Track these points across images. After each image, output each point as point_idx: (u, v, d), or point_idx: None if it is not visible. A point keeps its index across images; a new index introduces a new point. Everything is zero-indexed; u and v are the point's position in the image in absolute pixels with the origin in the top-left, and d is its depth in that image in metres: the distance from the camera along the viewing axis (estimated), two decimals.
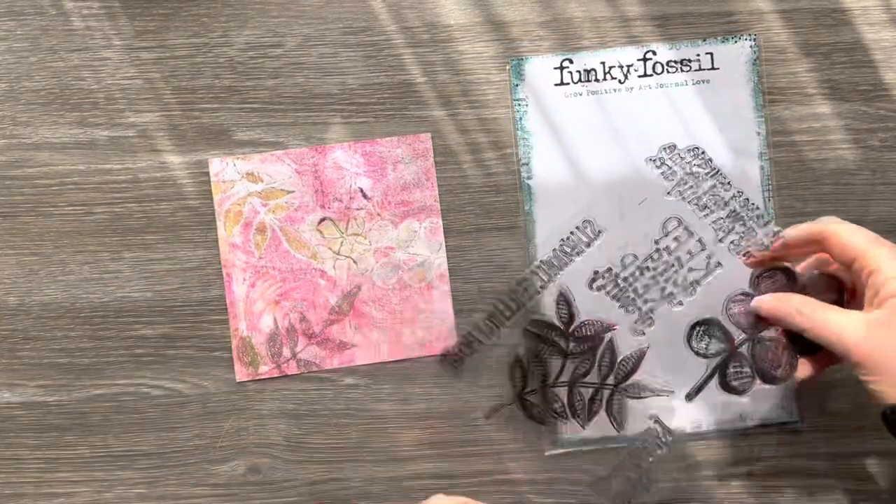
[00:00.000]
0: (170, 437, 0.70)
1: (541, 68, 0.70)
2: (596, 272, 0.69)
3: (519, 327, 0.69)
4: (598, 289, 0.69)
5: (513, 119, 0.70)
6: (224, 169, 0.70)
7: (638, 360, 0.69)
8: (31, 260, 0.70)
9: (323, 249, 0.70)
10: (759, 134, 0.70)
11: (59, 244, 0.70)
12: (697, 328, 0.66)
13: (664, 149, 0.69)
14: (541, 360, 0.69)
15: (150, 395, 0.70)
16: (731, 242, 0.69)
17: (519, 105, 0.70)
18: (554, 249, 0.69)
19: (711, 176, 0.69)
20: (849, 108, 0.71)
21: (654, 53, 0.70)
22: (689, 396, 0.68)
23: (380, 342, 0.70)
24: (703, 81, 0.70)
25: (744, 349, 0.65)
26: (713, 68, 0.70)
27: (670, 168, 0.69)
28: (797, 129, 0.71)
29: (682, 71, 0.70)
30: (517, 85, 0.70)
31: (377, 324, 0.70)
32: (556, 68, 0.70)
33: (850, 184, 0.71)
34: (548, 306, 0.69)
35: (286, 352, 0.70)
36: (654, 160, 0.69)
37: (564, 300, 0.69)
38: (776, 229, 0.65)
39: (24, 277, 0.70)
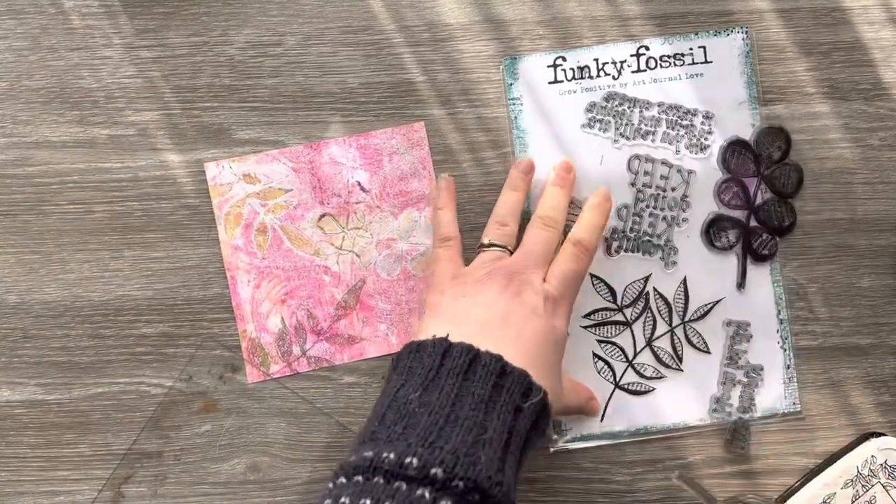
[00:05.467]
0: (170, 436, 0.70)
1: (534, 67, 0.70)
2: (606, 239, 0.70)
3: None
4: (617, 251, 0.70)
5: (508, 118, 0.70)
6: (220, 172, 0.70)
7: (685, 288, 0.70)
8: (32, 258, 0.70)
9: (325, 245, 0.70)
10: (753, 126, 0.70)
11: (59, 242, 0.70)
12: (711, 230, 0.70)
13: (586, 111, 0.70)
14: (612, 344, 0.70)
15: (150, 393, 0.70)
16: (684, 146, 0.70)
17: (514, 104, 0.70)
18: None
19: (632, 106, 0.70)
20: (848, 108, 0.71)
21: (647, 49, 0.70)
22: (741, 285, 0.70)
23: (388, 334, 0.70)
24: (697, 75, 0.70)
25: (752, 221, 0.70)
26: (706, 62, 0.71)
27: (601, 120, 0.70)
28: (796, 129, 0.71)
29: (675, 65, 0.70)
30: (511, 84, 0.70)
31: (384, 316, 0.70)
32: (549, 66, 0.70)
33: (849, 183, 0.71)
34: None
35: (296, 350, 0.70)
36: (585, 125, 0.70)
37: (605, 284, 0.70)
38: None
39: (25, 276, 0.70)
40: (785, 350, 0.70)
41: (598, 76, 0.70)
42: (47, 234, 0.70)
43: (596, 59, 0.70)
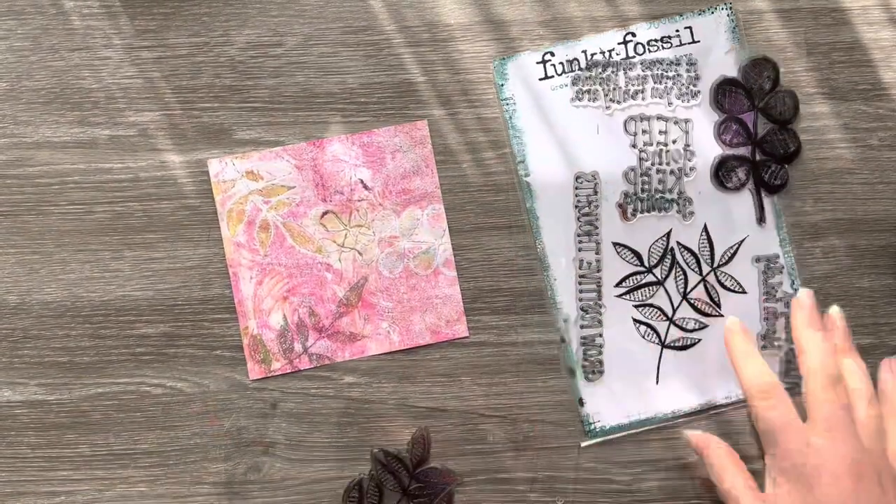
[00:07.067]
0: (170, 436, 0.70)
1: (524, 65, 0.71)
2: (620, 205, 0.70)
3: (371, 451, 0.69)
4: (633, 214, 0.70)
5: (503, 119, 0.70)
6: (223, 169, 0.70)
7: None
8: (32, 259, 0.70)
9: (327, 243, 0.70)
10: (737, 63, 0.71)
11: (59, 243, 0.70)
12: (720, 172, 0.70)
13: (572, 84, 0.70)
14: (380, 491, 0.69)
15: (151, 393, 0.70)
16: (675, 97, 0.70)
17: (507, 104, 0.70)
18: (577, 219, 0.70)
19: (615, 69, 0.71)
20: (847, 108, 0.71)
21: (634, 35, 0.71)
22: (761, 220, 0.70)
23: (390, 332, 0.70)
24: (686, 56, 0.71)
25: (758, 155, 0.70)
26: (694, 42, 0.71)
27: (588, 90, 0.71)
28: (796, 129, 0.71)
29: (663, 48, 0.71)
30: (502, 85, 0.71)
31: (386, 313, 0.70)
32: (538, 63, 0.71)
33: (848, 183, 0.71)
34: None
35: (297, 347, 0.70)
36: (574, 98, 0.70)
37: (422, 440, 0.69)
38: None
39: (25, 276, 0.70)
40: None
41: (589, 69, 0.71)
42: (48, 235, 0.70)
43: (584, 51, 0.71)
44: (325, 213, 0.70)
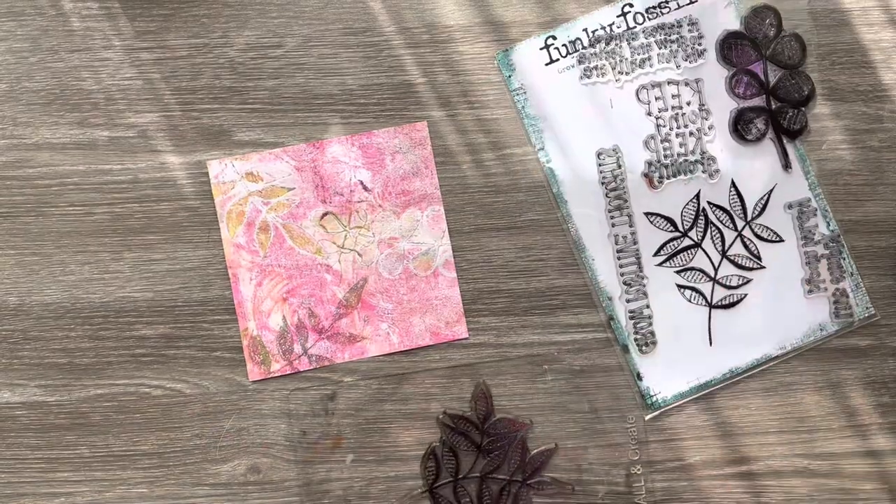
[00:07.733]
0: (170, 437, 0.70)
1: (528, 53, 0.70)
2: (646, 174, 0.70)
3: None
4: (660, 182, 0.70)
5: (515, 110, 0.70)
6: (223, 170, 0.70)
7: (546, 457, 0.69)
8: (32, 260, 0.70)
9: (327, 244, 0.70)
10: (738, 17, 0.71)
11: (59, 244, 0.70)
12: (739, 126, 0.70)
13: (578, 62, 0.70)
14: (454, 454, 0.69)
15: (151, 394, 0.70)
16: (682, 59, 0.70)
17: (517, 95, 0.70)
18: (605, 195, 0.70)
19: (619, 41, 0.71)
20: (848, 109, 0.71)
21: (632, 5, 0.71)
22: (786, 166, 0.70)
23: (390, 333, 0.70)
24: (687, 17, 0.71)
25: (773, 103, 0.70)
26: (692, 2, 0.71)
27: (595, 66, 0.71)
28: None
29: (662, 13, 0.71)
30: (509, 76, 0.70)
31: (386, 315, 0.70)
32: (541, 48, 0.71)
33: (849, 184, 0.71)
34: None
35: (297, 348, 0.70)
36: (582, 78, 0.70)
37: (483, 395, 0.69)
38: None
39: (25, 277, 0.70)
40: (845, 259, 0.70)
41: (592, 45, 0.71)
42: (47, 236, 0.70)
43: (585, 29, 0.70)
44: (324, 215, 0.70)
